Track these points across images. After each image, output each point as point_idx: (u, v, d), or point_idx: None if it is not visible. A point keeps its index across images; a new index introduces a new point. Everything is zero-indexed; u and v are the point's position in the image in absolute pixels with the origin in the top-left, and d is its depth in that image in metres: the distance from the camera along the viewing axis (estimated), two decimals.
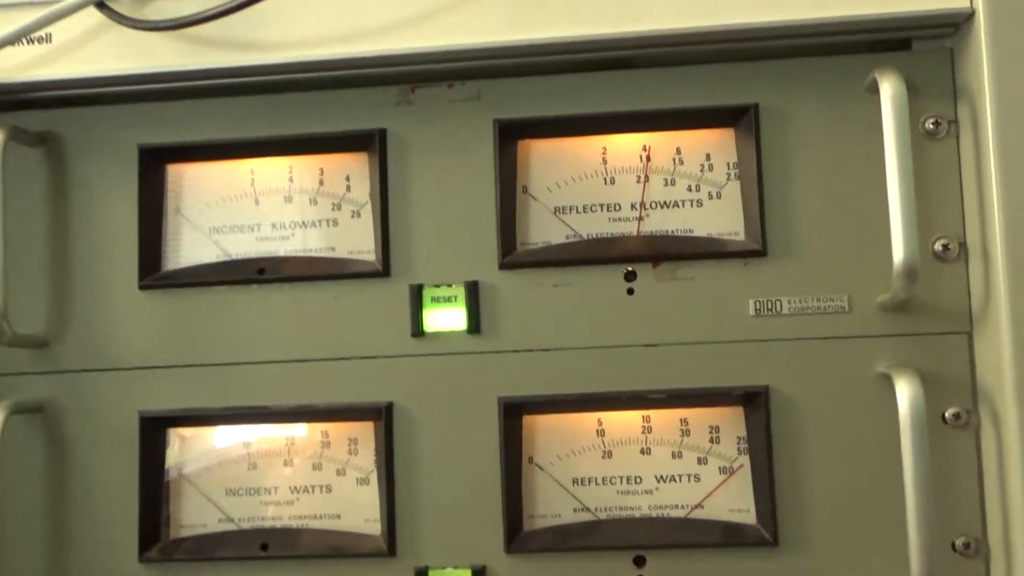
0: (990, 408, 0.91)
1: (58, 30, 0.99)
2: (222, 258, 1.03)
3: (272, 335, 1.00)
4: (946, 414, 0.93)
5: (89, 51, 0.99)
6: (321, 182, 1.04)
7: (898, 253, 0.88)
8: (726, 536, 0.95)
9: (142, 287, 1.02)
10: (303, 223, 1.04)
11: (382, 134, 1.00)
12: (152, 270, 1.03)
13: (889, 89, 0.89)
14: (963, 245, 0.94)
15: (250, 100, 1.02)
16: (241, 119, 1.02)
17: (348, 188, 1.03)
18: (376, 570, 0.97)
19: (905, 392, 0.88)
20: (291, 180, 1.04)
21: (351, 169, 1.03)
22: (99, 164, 1.03)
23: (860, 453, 0.94)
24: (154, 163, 1.04)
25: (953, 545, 0.92)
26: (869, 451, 0.93)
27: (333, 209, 1.03)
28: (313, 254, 1.03)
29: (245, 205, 1.04)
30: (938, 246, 0.94)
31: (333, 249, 1.03)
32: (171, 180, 1.05)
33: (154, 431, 1.01)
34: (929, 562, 0.85)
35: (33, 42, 1.00)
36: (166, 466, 1.02)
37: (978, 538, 0.92)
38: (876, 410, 0.93)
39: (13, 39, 0.98)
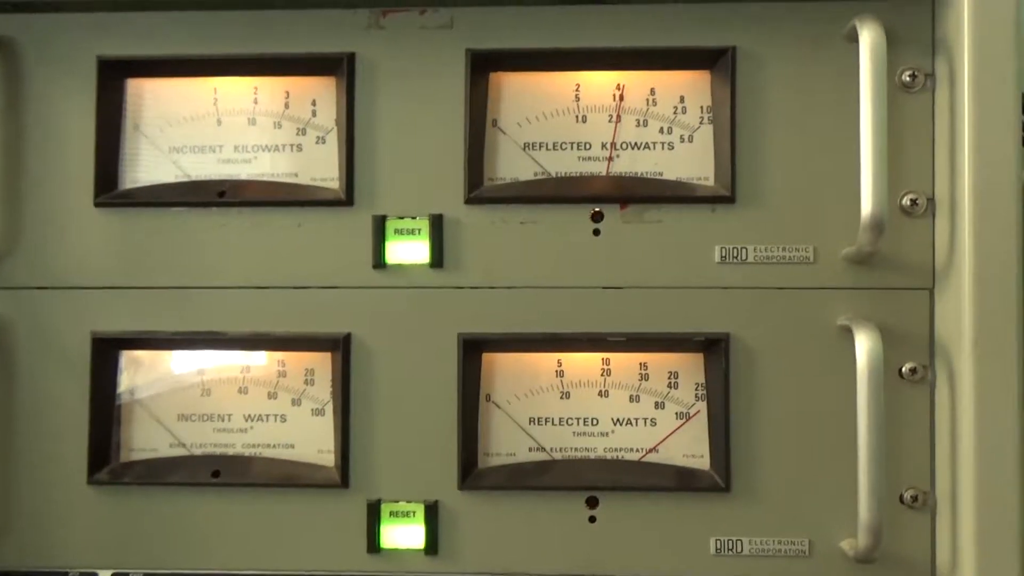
0: (946, 365, 0.91)
1: None
2: (181, 179, 1.01)
3: (231, 260, 0.98)
4: (903, 369, 0.93)
5: None
6: (287, 105, 1.01)
7: (866, 206, 0.87)
8: (679, 480, 0.96)
9: (97, 204, 0.99)
10: (266, 147, 1.01)
11: (350, 58, 0.98)
12: (108, 188, 1.00)
13: (868, 38, 0.88)
14: (931, 201, 0.94)
15: (216, 15, 0.99)
16: (206, 34, 0.99)
17: (314, 113, 1.01)
18: (328, 501, 0.97)
19: (864, 345, 0.88)
20: (256, 102, 1.01)
21: (318, 93, 1.00)
22: (56, 75, 1.00)
23: (816, 404, 0.94)
24: (114, 76, 1.00)
25: (901, 497, 0.93)
26: (825, 402, 0.94)
27: (298, 134, 1.01)
28: (276, 179, 1.00)
29: (207, 125, 1.01)
30: (906, 201, 0.94)
31: (296, 175, 1.00)
32: (131, 95, 1.02)
33: (106, 352, 0.99)
34: (877, 513, 0.87)
35: None
36: (118, 389, 1.01)
37: (926, 491, 0.93)
38: (835, 362, 0.94)
39: None
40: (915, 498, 0.93)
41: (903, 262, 0.94)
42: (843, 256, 0.94)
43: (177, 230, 0.99)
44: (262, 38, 0.99)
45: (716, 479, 0.95)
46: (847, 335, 0.92)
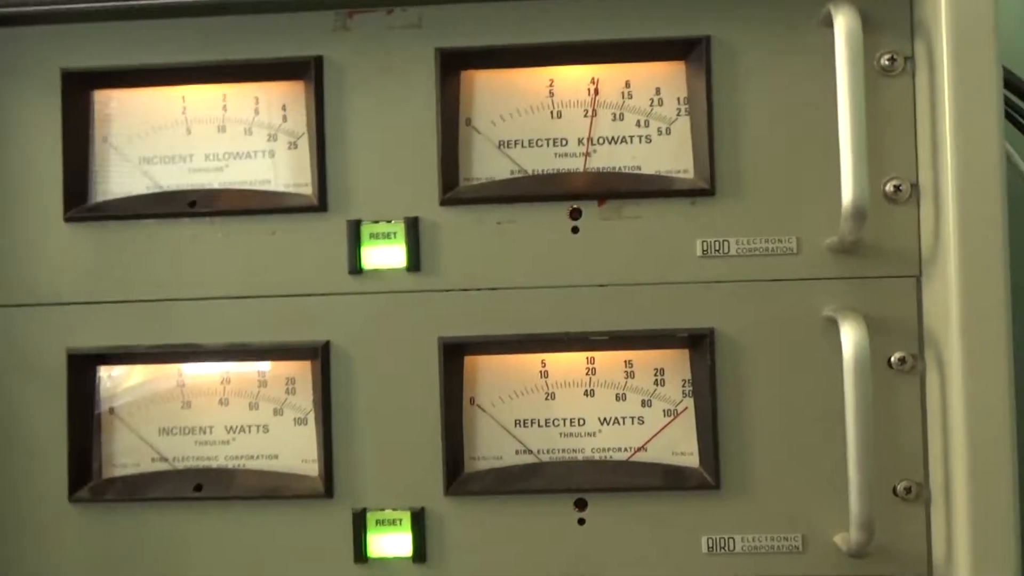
0: (936, 353, 0.89)
1: None
2: (152, 189, 0.99)
3: (205, 271, 0.97)
4: (892, 359, 0.91)
5: None
6: (256, 111, 0.99)
7: (847, 194, 0.86)
8: (668, 479, 0.94)
9: (68, 219, 0.97)
10: (237, 154, 0.99)
11: (318, 61, 0.96)
12: (78, 202, 0.98)
13: (843, 23, 0.86)
14: (915, 187, 0.92)
15: (181, 23, 0.97)
16: (172, 43, 0.97)
17: (284, 118, 0.99)
18: (313, 511, 0.95)
19: (849, 336, 0.86)
20: (225, 109, 0.99)
21: (288, 98, 0.99)
22: (20, 88, 0.98)
23: (805, 397, 0.92)
24: (79, 88, 0.98)
25: (894, 490, 0.91)
26: (814, 395, 0.92)
27: (269, 140, 0.99)
28: (248, 187, 0.99)
29: (176, 134, 1.00)
30: (889, 187, 0.92)
31: (269, 182, 0.99)
32: (98, 107, 1.00)
33: (83, 368, 0.98)
34: (869, 506, 0.85)
35: None
36: (96, 404, 0.99)
37: (919, 483, 0.91)
38: (822, 354, 0.92)
39: None
40: (908, 490, 0.91)
41: (888, 250, 0.92)
42: (826, 246, 0.92)
43: (150, 242, 0.97)
44: (229, 44, 0.97)
45: (706, 477, 0.93)
46: (832, 326, 0.90)
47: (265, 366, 0.99)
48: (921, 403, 0.91)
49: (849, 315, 0.87)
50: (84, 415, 0.98)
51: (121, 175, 1.00)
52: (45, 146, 0.98)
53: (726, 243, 0.93)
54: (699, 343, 0.94)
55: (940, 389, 0.89)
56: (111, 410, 1.00)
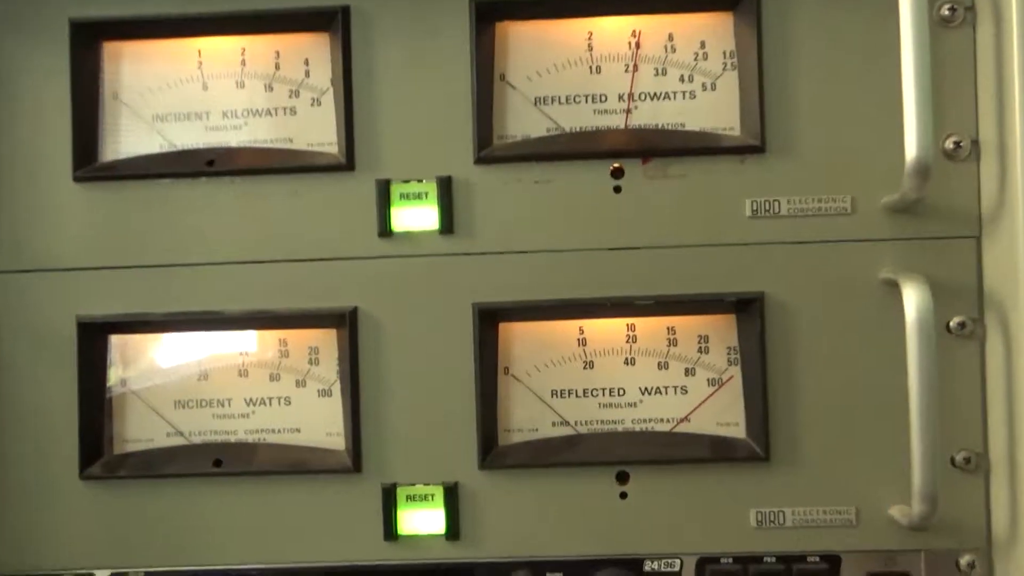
0: (998, 316, 0.86)
1: None
2: (167, 148, 0.94)
3: (224, 234, 0.92)
4: (951, 323, 0.87)
5: None
6: (277, 66, 0.94)
7: (911, 149, 0.81)
8: (714, 451, 0.90)
9: (77, 179, 0.92)
10: (257, 111, 0.94)
11: (345, 12, 0.91)
12: (88, 161, 0.93)
13: None
14: (975, 143, 0.87)
15: None
16: None
17: (307, 73, 0.94)
18: (341, 487, 0.91)
19: (913, 298, 0.82)
20: (243, 63, 0.94)
21: (310, 52, 0.94)
22: (26, 41, 0.92)
23: (859, 364, 0.88)
24: (88, 40, 0.93)
25: (952, 460, 0.87)
26: (868, 362, 0.88)
27: (291, 96, 0.94)
28: (269, 145, 0.93)
29: (192, 90, 0.95)
30: (949, 144, 0.88)
31: (291, 140, 0.94)
32: (108, 60, 0.95)
33: (94, 337, 0.93)
34: (933, 477, 0.81)
35: None
36: (108, 376, 0.94)
37: (979, 452, 0.87)
38: (878, 318, 0.88)
39: None
40: (967, 460, 0.87)
41: (947, 209, 0.88)
42: (884, 205, 0.88)
43: (164, 204, 0.92)
44: None
45: (754, 448, 0.89)
46: (889, 289, 0.87)
47: (286, 335, 0.94)
48: (980, 369, 0.87)
49: (911, 277, 0.83)
50: (95, 387, 0.93)
51: (133, 133, 0.95)
52: (52, 102, 0.93)
53: (777, 203, 0.89)
54: (747, 308, 0.89)
55: (1004, 354, 0.85)
56: (123, 382, 0.94)
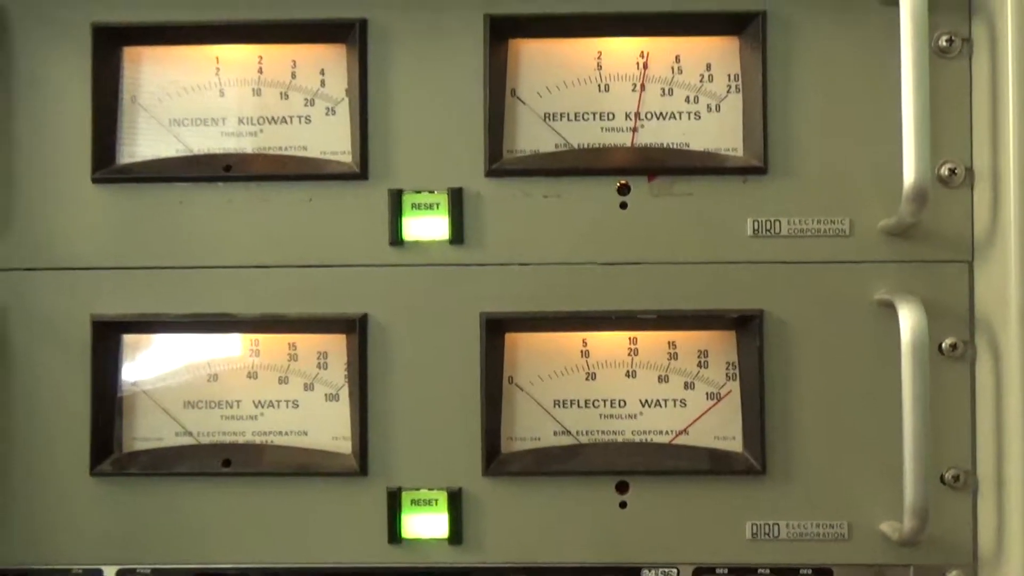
0: (988, 339, 0.88)
1: None
2: (183, 153, 0.96)
3: (238, 238, 0.94)
4: (943, 344, 0.90)
5: None
6: (293, 75, 0.96)
7: (909, 175, 0.84)
8: (712, 463, 0.92)
9: (95, 180, 0.93)
10: (272, 119, 0.96)
11: (362, 24, 0.93)
12: (106, 163, 0.94)
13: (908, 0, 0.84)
14: (969, 171, 0.90)
15: None
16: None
17: (323, 83, 0.96)
18: (346, 489, 0.92)
19: (908, 319, 0.84)
20: (260, 71, 0.96)
21: (326, 62, 0.95)
22: (49, 44, 0.94)
23: (853, 382, 0.91)
24: (109, 45, 0.95)
25: (942, 477, 0.90)
26: (863, 380, 0.91)
27: (306, 105, 0.96)
28: (283, 152, 0.95)
29: (209, 96, 0.96)
30: (944, 170, 0.90)
31: (305, 148, 0.96)
32: (128, 65, 0.96)
33: (107, 337, 0.94)
34: (924, 494, 0.84)
35: None
36: (120, 375, 0.95)
37: (967, 471, 0.90)
38: (872, 338, 0.90)
39: None
40: (956, 478, 0.90)
41: (940, 234, 0.91)
42: (881, 228, 0.90)
43: (180, 207, 0.94)
44: (267, 3, 0.93)
45: (751, 461, 0.91)
46: (884, 310, 0.89)
47: (296, 339, 0.96)
48: (970, 389, 0.90)
49: (906, 298, 0.86)
50: (107, 385, 0.94)
51: (150, 136, 0.96)
52: (72, 104, 0.94)
53: (777, 223, 0.92)
54: (747, 325, 0.92)
55: (993, 375, 0.88)
56: (134, 381, 0.96)
